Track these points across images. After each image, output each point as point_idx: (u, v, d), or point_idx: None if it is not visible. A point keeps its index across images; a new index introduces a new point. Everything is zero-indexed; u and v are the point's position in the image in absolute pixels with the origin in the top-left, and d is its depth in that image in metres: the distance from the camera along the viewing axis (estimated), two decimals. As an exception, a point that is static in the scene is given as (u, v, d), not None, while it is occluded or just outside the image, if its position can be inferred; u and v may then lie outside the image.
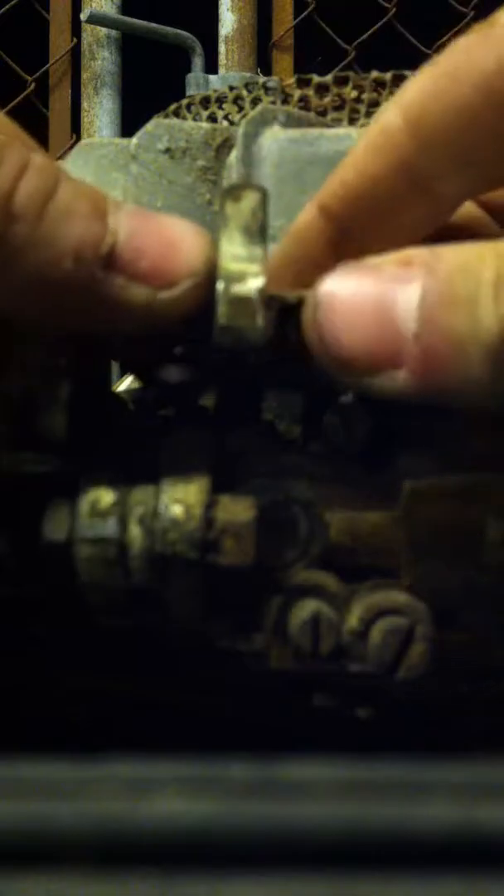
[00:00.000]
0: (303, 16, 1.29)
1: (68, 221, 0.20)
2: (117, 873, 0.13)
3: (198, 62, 1.25)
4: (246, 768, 0.14)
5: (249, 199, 0.21)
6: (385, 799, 0.13)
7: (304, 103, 0.41)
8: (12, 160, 0.20)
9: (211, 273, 0.20)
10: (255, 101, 0.43)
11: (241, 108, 0.43)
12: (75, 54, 1.31)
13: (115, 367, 0.29)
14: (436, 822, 0.13)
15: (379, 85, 0.40)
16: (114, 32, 1.28)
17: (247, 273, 0.20)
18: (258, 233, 0.20)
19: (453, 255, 0.20)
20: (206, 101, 0.44)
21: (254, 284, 0.20)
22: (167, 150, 0.24)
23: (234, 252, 0.20)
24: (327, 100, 0.41)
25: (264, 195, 0.21)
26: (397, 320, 0.20)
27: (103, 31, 1.28)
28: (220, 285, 0.20)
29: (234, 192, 0.21)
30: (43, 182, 0.20)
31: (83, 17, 1.25)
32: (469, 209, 0.26)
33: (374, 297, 0.20)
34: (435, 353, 0.19)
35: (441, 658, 0.22)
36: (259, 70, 1.27)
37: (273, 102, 0.42)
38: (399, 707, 0.23)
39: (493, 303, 0.19)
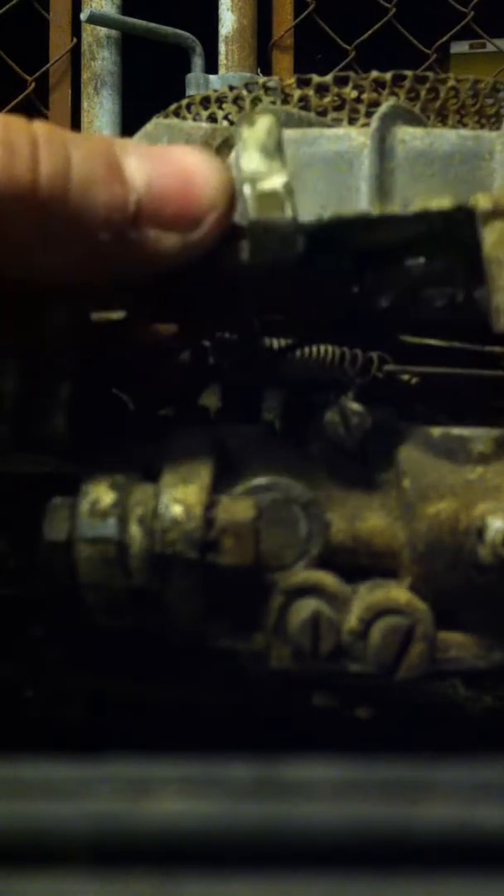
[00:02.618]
0: (303, 16, 1.29)
1: (92, 192, 0.20)
2: (117, 873, 0.13)
3: (198, 62, 1.25)
4: (246, 768, 0.14)
5: (264, 122, 0.21)
6: (385, 799, 0.13)
7: (304, 103, 0.41)
8: (22, 142, 0.20)
9: (231, 200, 0.21)
10: (256, 101, 0.43)
11: (241, 109, 0.43)
12: (75, 54, 1.31)
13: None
14: (435, 822, 0.13)
15: (379, 85, 0.40)
16: (114, 32, 1.28)
17: (270, 173, 0.21)
18: (275, 150, 0.21)
19: None
20: (206, 101, 0.44)
21: (279, 180, 0.21)
22: (167, 150, 0.24)
23: (254, 167, 0.21)
24: (327, 100, 0.41)
25: (277, 118, 0.22)
26: None
27: (103, 30, 1.28)
28: (246, 188, 0.21)
29: (248, 118, 0.22)
30: (58, 156, 0.20)
31: (83, 16, 1.25)
32: None
33: None
34: None
35: (440, 658, 0.22)
36: (259, 70, 1.27)
37: (273, 102, 0.42)
38: (399, 707, 0.23)
39: None
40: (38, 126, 0.20)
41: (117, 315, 0.26)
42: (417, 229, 0.22)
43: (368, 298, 0.23)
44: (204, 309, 0.24)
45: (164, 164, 0.21)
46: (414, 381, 0.26)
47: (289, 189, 0.21)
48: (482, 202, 0.22)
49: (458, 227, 0.22)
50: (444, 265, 0.23)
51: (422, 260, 0.23)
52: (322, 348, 0.25)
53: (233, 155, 0.22)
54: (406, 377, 0.26)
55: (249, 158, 0.21)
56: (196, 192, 0.21)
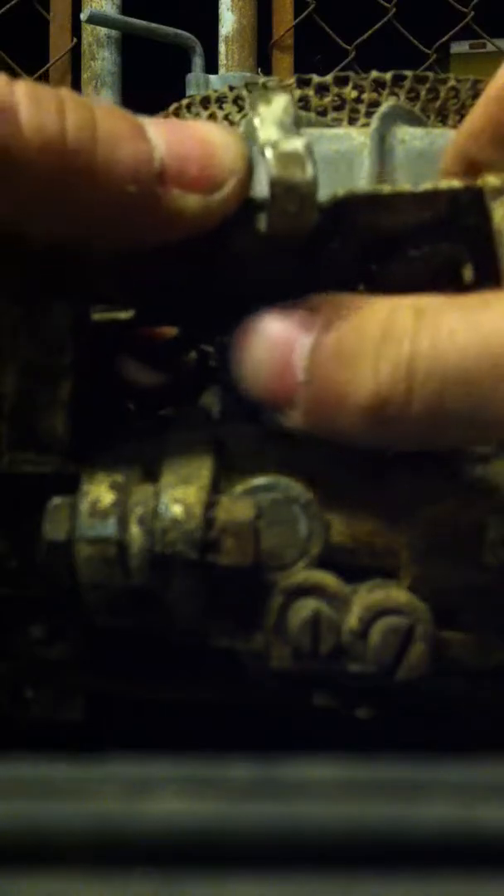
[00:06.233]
0: (303, 16, 1.29)
1: (119, 146, 0.20)
2: (117, 873, 0.13)
3: (198, 62, 1.25)
4: (246, 768, 0.14)
5: (280, 100, 0.22)
6: (385, 799, 0.13)
7: (304, 103, 0.41)
8: (48, 98, 0.20)
9: (249, 168, 0.21)
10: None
11: (241, 108, 0.43)
12: (75, 54, 1.31)
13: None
14: (436, 821, 0.13)
15: (379, 85, 0.40)
16: (114, 32, 1.28)
17: (290, 136, 0.21)
18: (292, 125, 0.22)
19: (352, 308, 0.21)
20: (206, 102, 0.44)
21: (299, 142, 0.21)
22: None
23: (274, 136, 0.22)
24: (327, 100, 0.41)
25: (292, 97, 0.22)
26: (294, 367, 0.21)
27: (103, 30, 1.28)
28: (267, 151, 0.21)
29: (264, 96, 0.22)
30: (84, 113, 0.20)
31: (83, 16, 1.25)
32: None
33: (278, 344, 0.21)
34: (320, 402, 0.21)
35: (440, 657, 0.22)
36: (259, 70, 1.27)
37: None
38: (399, 707, 0.23)
39: (371, 362, 0.20)
40: (64, 89, 0.21)
41: (126, 314, 0.26)
42: (426, 211, 0.22)
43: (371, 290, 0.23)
44: (209, 310, 0.24)
45: (183, 132, 0.21)
46: None
47: (309, 150, 0.21)
48: (491, 180, 0.22)
49: (466, 209, 0.22)
50: (450, 250, 0.23)
51: (426, 249, 0.23)
52: None
53: (241, 128, 0.22)
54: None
55: (268, 131, 0.22)
56: (216, 157, 0.21)
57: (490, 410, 0.20)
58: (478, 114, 0.27)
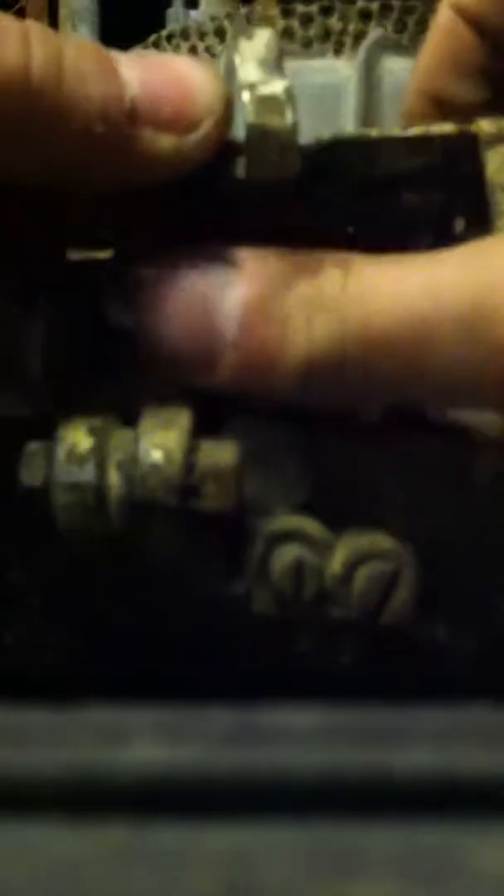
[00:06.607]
0: None
1: (86, 84, 0.20)
2: (93, 819, 0.13)
3: (179, -4, 1.21)
4: (225, 714, 0.14)
5: (262, 35, 0.21)
6: (364, 745, 0.13)
7: (288, 34, 0.39)
8: (12, 33, 0.19)
9: (228, 109, 0.21)
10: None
11: (222, 40, 0.42)
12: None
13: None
14: (415, 766, 0.13)
15: (365, 15, 0.39)
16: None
17: (270, 79, 0.21)
18: (274, 63, 0.21)
19: (279, 264, 0.20)
20: (185, 33, 0.42)
21: (279, 85, 0.20)
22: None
23: (254, 77, 0.21)
24: (312, 31, 0.39)
25: (275, 33, 0.22)
26: (220, 326, 0.20)
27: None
28: (244, 94, 0.20)
29: (246, 32, 0.21)
30: (50, 49, 0.19)
31: None
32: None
33: (203, 299, 0.20)
34: (249, 364, 0.20)
35: (424, 601, 0.22)
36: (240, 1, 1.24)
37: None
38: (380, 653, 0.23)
39: (304, 324, 0.20)
40: (29, 22, 0.20)
41: (104, 254, 0.25)
42: (417, 156, 0.22)
43: (362, 237, 0.23)
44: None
45: (158, 68, 0.20)
46: None
47: (289, 94, 0.20)
48: (486, 127, 0.21)
49: (459, 154, 0.21)
50: (441, 198, 0.22)
51: (419, 193, 0.22)
52: None
53: (221, 62, 0.22)
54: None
55: (248, 70, 0.21)
56: (192, 96, 0.20)
57: (418, 375, 0.20)
58: (433, 46, 0.26)
